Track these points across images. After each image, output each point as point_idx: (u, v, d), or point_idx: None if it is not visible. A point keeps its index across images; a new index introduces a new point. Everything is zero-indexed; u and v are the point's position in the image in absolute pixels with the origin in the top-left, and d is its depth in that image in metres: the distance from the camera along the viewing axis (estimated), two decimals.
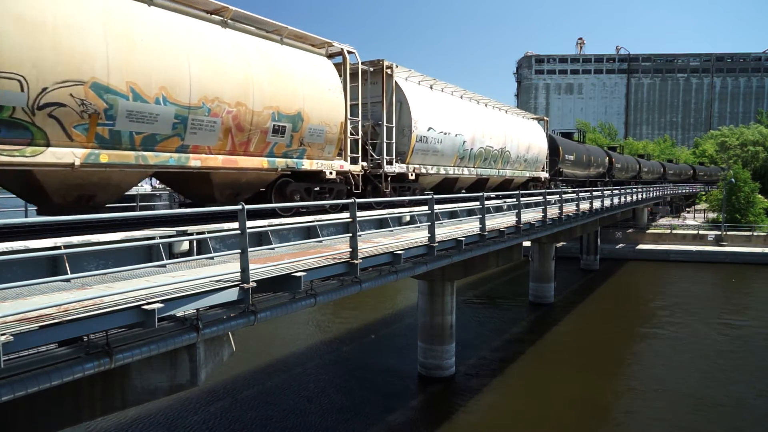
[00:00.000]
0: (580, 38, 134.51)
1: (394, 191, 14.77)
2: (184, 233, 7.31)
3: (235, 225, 6.68)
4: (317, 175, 11.65)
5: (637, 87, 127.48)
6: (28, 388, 4.76)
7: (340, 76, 12.12)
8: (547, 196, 16.96)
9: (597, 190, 25.45)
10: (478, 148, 18.63)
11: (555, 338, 22.65)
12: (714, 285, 35.33)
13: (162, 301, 5.15)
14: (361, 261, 7.91)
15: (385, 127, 13.82)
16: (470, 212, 14.60)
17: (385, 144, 13.76)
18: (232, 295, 5.97)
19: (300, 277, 6.76)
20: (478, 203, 12.83)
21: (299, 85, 10.62)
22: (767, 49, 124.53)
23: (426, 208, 11.08)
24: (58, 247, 5.77)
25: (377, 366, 19.01)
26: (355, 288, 8.95)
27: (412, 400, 16.35)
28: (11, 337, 4.04)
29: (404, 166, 14.66)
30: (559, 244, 33.80)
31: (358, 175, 12.72)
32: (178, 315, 5.72)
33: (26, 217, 9.62)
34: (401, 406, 15.66)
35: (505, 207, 16.49)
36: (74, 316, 4.52)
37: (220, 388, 16.61)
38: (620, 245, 44.97)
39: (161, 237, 6.87)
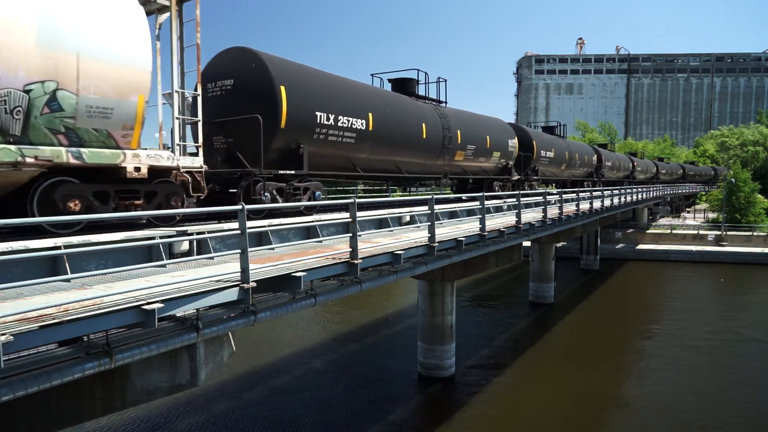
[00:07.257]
0: (580, 38, 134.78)
1: None
2: (184, 233, 7.31)
3: (235, 225, 6.67)
4: None
5: (637, 87, 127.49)
6: (28, 388, 4.75)
7: None
8: (547, 197, 16.95)
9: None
10: None
11: (555, 338, 22.64)
12: (713, 285, 35.31)
13: (162, 301, 5.14)
14: (361, 261, 7.90)
15: None
16: (470, 212, 14.60)
17: None
18: (232, 295, 5.97)
19: (300, 277, 6.76)
20: (478, 203, 12.81)
21: None
22: (767, 49, 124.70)
23: (426, 208, 11.08)
24: (58, 247, 5.76)
25: (377, 366, 19.01)
26: (355, 288, 8.95)
27: (412, 400, 16.34)
28: (11, 337, 4.04)
29: None
30: (559, 244, 33.72)
31: None
32: (178, 315, 5.71)
33: None
34: (401, 406, 15.65)
35: (505, 207, 16.47)
36: (74, 316, 4.52)
37: (220, 388, 16.61)
38: (620, 245, 44.96)
39: (161, 237, 6.86)
